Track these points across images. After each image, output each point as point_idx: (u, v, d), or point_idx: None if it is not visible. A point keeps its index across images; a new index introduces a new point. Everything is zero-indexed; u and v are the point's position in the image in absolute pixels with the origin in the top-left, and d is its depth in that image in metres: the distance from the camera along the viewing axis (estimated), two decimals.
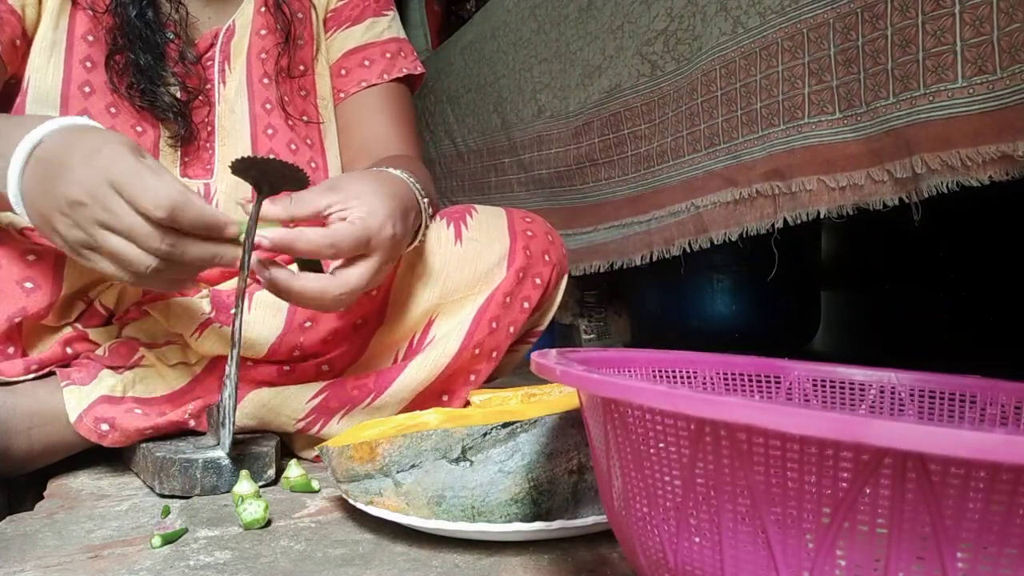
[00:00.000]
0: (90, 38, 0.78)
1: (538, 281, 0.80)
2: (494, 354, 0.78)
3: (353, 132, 0.92)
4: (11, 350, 0.70)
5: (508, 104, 1.61)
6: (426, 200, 0.73)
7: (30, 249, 0.70)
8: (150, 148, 0.79)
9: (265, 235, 0.59)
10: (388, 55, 0.93)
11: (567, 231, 1.42)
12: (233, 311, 0.62)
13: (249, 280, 0.60)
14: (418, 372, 0.74)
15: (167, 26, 0.79)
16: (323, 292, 0.61)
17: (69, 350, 0.73)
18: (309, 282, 0.61)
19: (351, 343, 0.77)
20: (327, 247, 0.60)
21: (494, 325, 0.76)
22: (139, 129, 0.78)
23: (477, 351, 0.76)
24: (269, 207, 0.61)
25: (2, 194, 0.58)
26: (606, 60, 1.29)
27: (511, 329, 0.78)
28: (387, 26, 0.95)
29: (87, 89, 0.77)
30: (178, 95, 0.79)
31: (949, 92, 0.75)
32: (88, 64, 0.77)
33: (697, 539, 0.31)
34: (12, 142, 0.57)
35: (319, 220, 0.62)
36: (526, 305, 0.79)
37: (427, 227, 0.74)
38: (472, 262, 0.77)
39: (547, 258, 0.81)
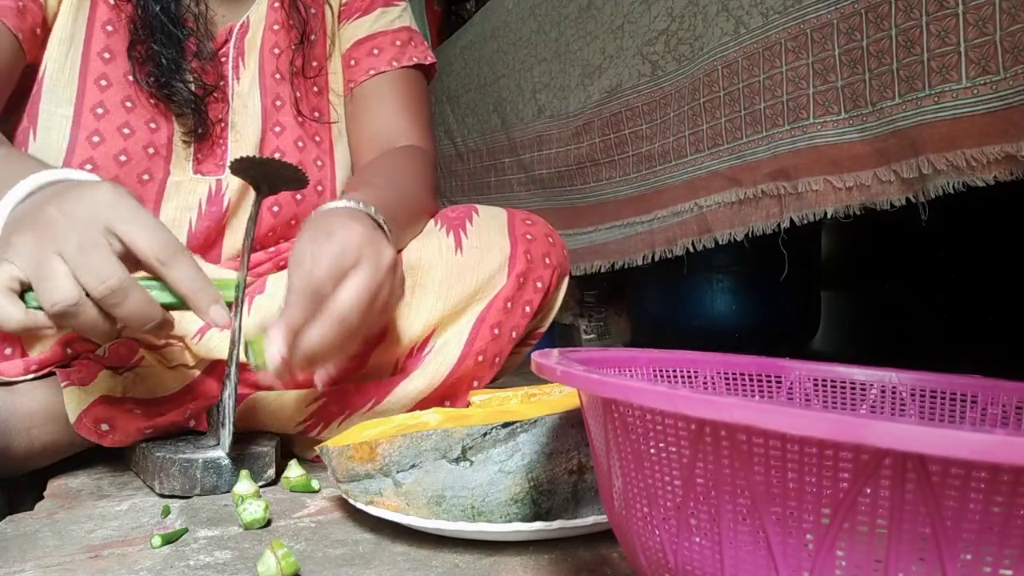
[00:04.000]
0: (109, 28, 0.78)
1: (539, 285, 0.79)
2: (497, 359, 0.77)
3: (361, 122, 0.91)
4: (8, 351, 0.70)
5: (508, 104, 1.61)
6: (381, 217, 0.68)
7: None
8: (164, 144, 0.79)
9: (277, 349, 0.57)
10: (398, 43, 0.92)
11: (567, 231, 1.42)
12: (233, 314, 0.62)
13: (248, 280, 0.60)
14: (418, 382, 0.74)
15: (186, 21, 0.79)
16: (331, 332, 0.57)
17: (69, 350, 0.73)
18: (313, 333, 0.57)
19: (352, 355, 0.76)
20: (312, 301, 0.57)
21: (496, 331, 0.76)
22: (153, 125, 0.79)
23: (480, 358, 0.75)
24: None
25: None
26: (606, 60, 1.29)
27: (513, 334, 0.77)
28: (398, 16, 0.94)
29: (103, 82, 0.77)
30: (194, 90, 0.79)
31: (954, 93, 0.75)
32: (106, 55, 0.77)
33: (697, 539, 0.31)
34: (16, 178, 0.56)
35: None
36: (527, 309, 0.78)
37: (392, 238, 0.69)
38: (473, 270, 0.76)
39: (548, 261, 0.81)
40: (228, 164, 0.61)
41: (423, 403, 0.75)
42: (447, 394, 0.77)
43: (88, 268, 0.50)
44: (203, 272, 0.54)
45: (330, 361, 0.60)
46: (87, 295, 0.50)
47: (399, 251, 0.74)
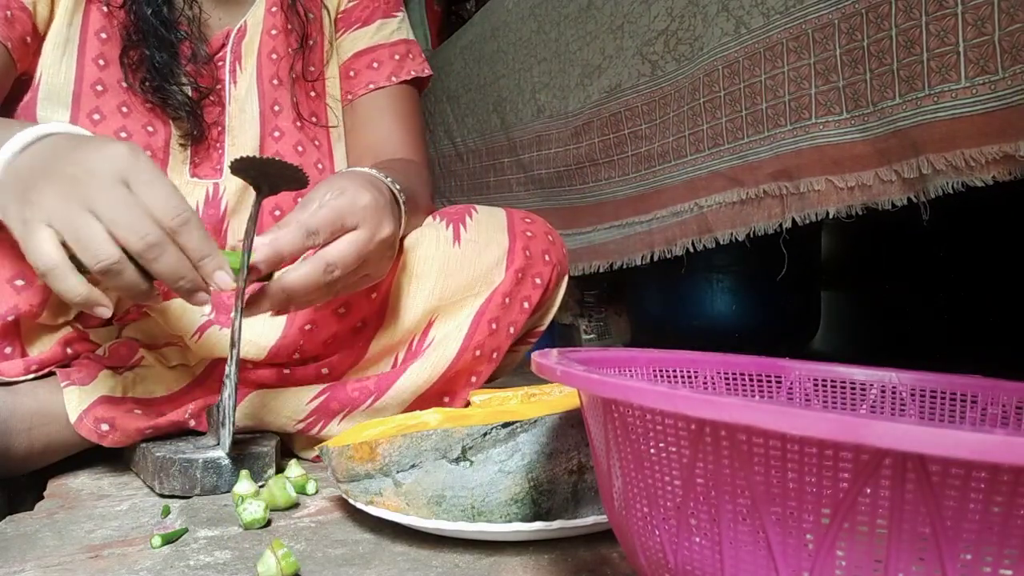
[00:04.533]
0: (103, 35, 0.78)
1: (538, 281, 0.80)
2: (495, 355, 0.78)
3: (360, 134, 0.92)
4: (9, 350, 0.70)
5: (508, 104, 1.60)
6: (397, 186, 0.72)
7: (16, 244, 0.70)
8: (160, 147, 0.79)
9: (256, 260, 0.59)
10: (397, 57, 0.93)
11: (567, 231, 1.42)
12: (233, 313, 0.62)
13: (249, 279, 0.60)
14: (418, 375, 0.74)
15: (180, 25, 0.79)
16: (314, 273, 0.60)
17: (69, 350, 0.73)
18: (300, 270, 0.60)
19: (351, 346, 0.77)
20: (304, 236, 0.60)
21: (494, 326, 0.76)
22: (150, 129, 0.79)
23: (478, 352, 0.76)
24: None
25: None
26: (606, 60, 1.29)
27: (511, 329, 0.78)
28: (396, 28, 0.95)
29: (99, 88, 0.77)
30: (190, 94, 0.79)
31: (953, 92, 0.75)
32: (101, 62, 0.78)
33: (697, 539, 0.31)
34: (14, 131, 0.57)
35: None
36: (526, 305, 0.79)
37: (405, 214, 0.73)
38: (471, 263, 0.77)
39: (547, 258, 0.81)
40: (228, 164, 0.61)
41: (422, 400, 0.75)
42: (445, 389, 0.77)
43: (126, 224, 0.50)
44: (211, 239, 0.55)
45: (299, 306, 0.64)
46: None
47: (403, 236, 0.75)
